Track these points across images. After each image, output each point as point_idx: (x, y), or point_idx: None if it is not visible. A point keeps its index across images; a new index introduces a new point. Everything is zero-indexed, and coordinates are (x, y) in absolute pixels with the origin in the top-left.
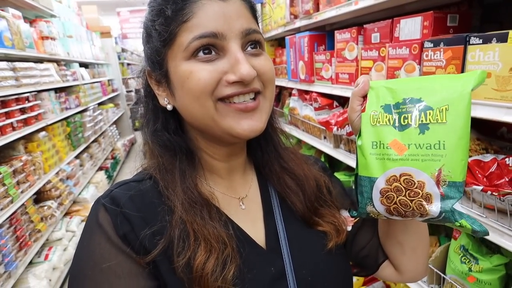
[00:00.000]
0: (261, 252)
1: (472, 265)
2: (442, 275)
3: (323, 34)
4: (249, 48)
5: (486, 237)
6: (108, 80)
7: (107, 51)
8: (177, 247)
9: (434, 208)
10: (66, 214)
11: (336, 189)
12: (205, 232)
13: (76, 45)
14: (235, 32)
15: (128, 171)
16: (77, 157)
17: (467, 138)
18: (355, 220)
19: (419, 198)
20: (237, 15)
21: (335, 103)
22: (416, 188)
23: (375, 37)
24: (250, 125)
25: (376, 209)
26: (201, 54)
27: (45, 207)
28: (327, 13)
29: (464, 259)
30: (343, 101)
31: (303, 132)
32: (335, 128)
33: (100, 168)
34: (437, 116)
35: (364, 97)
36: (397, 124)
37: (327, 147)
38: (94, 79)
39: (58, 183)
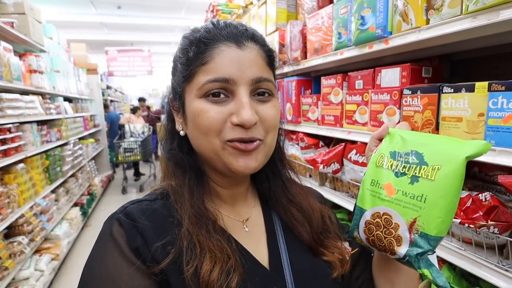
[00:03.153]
0: (265, 271)
1: None
2: None
3: (310, 79)
4: (257, 95)
5: (467, 269)
6: (91, 116)
7: (92, 87)
8: (186, 257)
9: (401, 250)
10: (36, 251)
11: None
12: (210, 244)
13: (62, 80)
14: (245, 79)
15: (103, 208)
16: (53, 191)
17: (452, 199)
18: (352, 252)
19: (391, 237)
20: (250, 63)
21: (321, 143)
22: (392, 228)
23: (359, 83)
24: (246, 163)
25: (359, 236)
26: (211, 95)
27: (15, 243)
28: (314, 61)
29: None
30: (328, 141)
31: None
32: (321, 166)
33: (75, 204)
34: (428, 172)
35: (381, 140)
36: (396, 170)
37: (312, 185)
38: (77, 113)
39: (32, 217)
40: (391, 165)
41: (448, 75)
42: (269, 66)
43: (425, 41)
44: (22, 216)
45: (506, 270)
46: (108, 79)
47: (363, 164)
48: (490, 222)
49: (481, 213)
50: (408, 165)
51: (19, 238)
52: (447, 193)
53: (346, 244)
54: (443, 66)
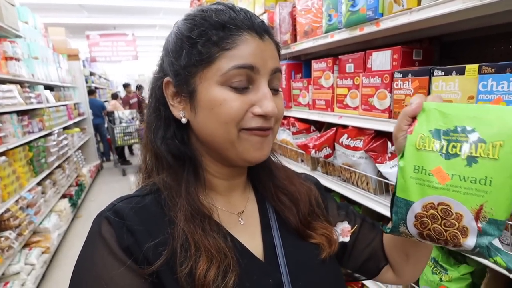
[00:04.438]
0: (260, 264)
1: (442, 275)
2: (416, 287)
3: (300, 63)
4: (272, 87)
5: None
6: (75, 104)
7: (74, 74)
8: (179, 257)
9: (469, 242)
10: (25, 245)
11: (329, 203)
12: (206, 242)
13: (42, 67)
14: (267, 69)
15: (93, 199)
16: (39, 183)
17: None
18: (352, 230)
19: (454, 229)
20: (270, 54)
21: (312, 128)
22: (452, 219)
23: (349, 67)
24: (260, 153)
25: (408, 231)
26: (236, 83)
27: (2, 238)
28: (304, 44)
29: (435, 270)
30: (319, 126)
31: (280, 156)
32: (313, 151)
33: (64, 196)
34: (488, 150)
35: (414, 118)
36: (444, 152)
37: (304, 170)
38: (60, 102)
39: (18, 211)
40: (436, 146)
41: (438, 57)
42: (279, 59)
43: (416, 23)
44: (7, 210)
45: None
46: (91, 65)
47: (355, 148)
48: None
49: None
50: (459, 144)
51: (6, 233)
52: None
53: (345, 223)
54: (433, 48)
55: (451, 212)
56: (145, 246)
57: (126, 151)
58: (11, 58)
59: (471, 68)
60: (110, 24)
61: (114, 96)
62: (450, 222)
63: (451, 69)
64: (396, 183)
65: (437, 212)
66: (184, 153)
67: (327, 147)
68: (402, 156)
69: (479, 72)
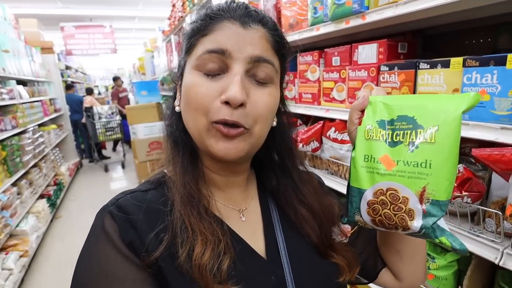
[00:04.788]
0: (262, 261)
1: (430, 263)
2: None
3: None
4: (254, 78)
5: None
6: (50, 99)
7: (49, 68)
8: (179, 239)
9: (415, 223)
10: (2, 249)
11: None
12: (201, 226)
13: (13, 61)
14: (243, 55)
15: (73, 198)
16: (14, 184)
17: (455, 159)
18: (352, 230)
19: (402, 212)
20: (251, 41)
21: (299, 121)
22: (400, 203)
23: (336, 60)
24: (226, 148)
25: (363, 219)
26: (208, 67)
27: None
28: (289, 37)
29: None
30: (305, 120)
31: None
32: (300, 145)
33: (42, 196)
34: (426, 135)
35: (363, 111)
36: (389, 140)
37: None
38: (34, 98)
39: None
40: (382, 136)
41: (421, 50)
42: (275, 51)
43: (402, 16)
44: None
45: (478, 236)
46: (66, 58)
47: (342, 141)
48: (464, 193)
49: (455, 185)
50: (401, 131)
51: None
52: (451, 153)
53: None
54: (417, 41)
55: (399, 196)
56: (147, 239)
57: (110, 147)
58: None
59: (456, 61)
60: (86, 16)
61: (89, 91)
62: (398, 206)
63: (437, 62)
64: (349, 174)
65: (386, 197)
66: (180, 139)
67: (314, 141)
68: (354, 147)
69: (464, 65)
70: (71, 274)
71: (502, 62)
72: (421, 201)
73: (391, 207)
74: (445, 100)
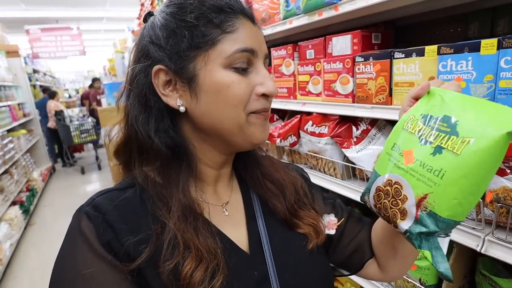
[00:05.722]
0: (244, 256)
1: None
2: None
3: None
4: None
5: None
6: (18, 104)
7: (16, 72)
8: (165, 254)
9: (403, 224)
10: None
11: (316, 194)
12: (197, 241)
13: None
14: (263, 53)
15: (47, 204)
16: None
17: (476, 181)
18: (338, 223)
19: (396, 208)
20: (262, 39)
21: (276, 116)
22: (399, 199)
23: (310, 53)
24: (265, 131)
25: (369, 201)
26: (239, 65)
27: None
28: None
29: None
30: (282, 114)
31: None
32: (278, 140)
33: (14, 203)
34: (455, 144)
35: (417, 99)
36: (423, 137)
37: None
38: (1, 103)
39: None
40: (419, 130)
41: (394, 41)
42: None
43: (375, 6)
44: None
45: (473, 228)
46: (33, 62)
47: (320, 135)
48: None
49: None
50: (437, 133)
51: None
52: (472, 172)
53: (332, 216)
54: (390, 32)
55: (401, 192)
56: (126, 241)
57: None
58: None
59: (431, 49)
60: (52, 18)
61: (51, 95)
62: (397, 201)
63: (411, 51)
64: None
65: (391, 189)
66: (179, 144)
67: (292, 135)
68: (391, 133)
69: (438, 53)
70: (47, 282)
71: (476, 48)
72: (418, 206)
73: (391, 200)
74: (501, 114)
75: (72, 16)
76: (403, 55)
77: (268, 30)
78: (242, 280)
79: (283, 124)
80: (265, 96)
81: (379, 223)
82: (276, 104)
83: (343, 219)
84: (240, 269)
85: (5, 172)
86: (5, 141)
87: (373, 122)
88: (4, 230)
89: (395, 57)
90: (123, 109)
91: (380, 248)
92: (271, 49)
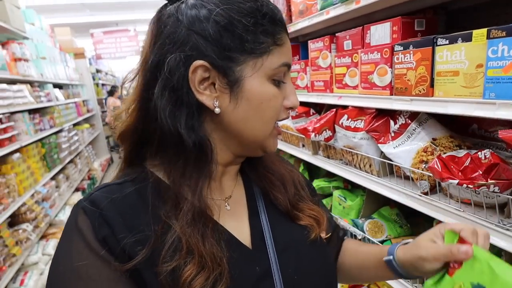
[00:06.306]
0: (247, 251)
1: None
2: None
3: (297, 45)
4: None
5: None
6: (83, 101)
7: (82, 72)
8: (164, 255)
9: None
10: (42, 237)
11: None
12: (202, 248)
13: (50, 67)
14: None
15: None
16: (52, 178)
17: None
18: (326, 236)
19: None
20: None
21: (312, 111)
22: None
23: (347, 44)
24: (276, 145)
25: None
26: (278, 78)
27: (20, 231)
28: (299, 24)
29: None
30: (319, 108)
31: (281, 141)
32: (312, 135)
33: (77, 189)
34: None
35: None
36: None
37: (305, 155)
38: (69, 99)
39: (34, 205)
40: None
41: (444, 27)
42: None
43: None
44: (23, 204)
45: (507, 229)
46: (97, 62)
47: (356, 129)
48: (490, 181)
49: (481, 172)
50: None
51: (23, 226)
52: None
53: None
54: (438, 18)
55: None
56: (122, 239)
57: None
58: (19, 59)
59: (479, 33)
60: (113, 21)
61: (111, 93)
62: None
63: (457, 36)
64: None
65: None
66: (204, 143)
67: (327, 130)
68: (437, 282)
69: (488, 37)
70: None
71: None
72: None
73: None
74: None
75: (130, 19)
76: (447, 41)
77: (305, 22)
78: (243, 275)
79: (318, 118)
80: (290, 108)
81: (373, 256)
82: (312, 98)
83: (329, 234)
84: (241, 264)
85: (71, 161)
86: (71, 134)
87: (413, 115)
88: (68, 213)
89: (438, 43)
90: (136, 92)
91: (350, 272)
92: (309, 41)
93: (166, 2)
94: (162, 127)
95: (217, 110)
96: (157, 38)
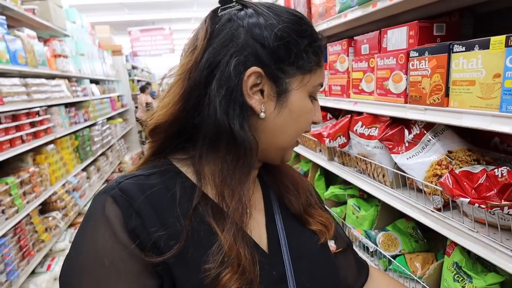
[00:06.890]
0: (264, 255)
1: (465, 283)
2: None
3: None
4: None
5: (479, 253)
6: (118, 96)
7: (118, 68)
8: (207, 257)
9: None
10: (71, 225)
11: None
12: (241, 254)
13: (88, 63)
14: None
15: None
16: (84, 169)
17: None
18: (337, 251)
19: None
20: None
21: (329, 115)
22: None
23: (365, 48)
24: (291, 156)
25: None
26: (314, 95)
27: (50, 218)
28: (319, 27)
29: (457, 277)
30: (337, 113)
31: (300, 145)
32: (327, 140)
33: (107, 181)
34: None
35: None
36: None
37: (322, 160)
38: (104, 94)
39: (64, 194)
40: None
41: (470, 31)
42: None
43: None
44: (55, 193)
45: None
46: (133, 59)
47: (369, 137)
48: (504, 202)
49: (496, 191)
50: None
51: (53, 214)
52: None
53: (332, 243)
54: (463, 21)
55: None
56: (154, 232)
57: None
58: (59, 56)
59: (497, 40)
60: (149, 20)
61: (142, 89)
62: None
63: (474, 43)
64: None
65: None
66: (254, 143)
67: (341, 136)
68: None
69: (507, 45)
70: None
71: None
72: None
73: None
74: None
75: (166, 18)
76: (464, 48)
77: (323, 25)
78: (261, 277)
79: (333, 123)
80: (314, 123)
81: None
82: (329, 102)
83: (340, 249)
84: (261, 268)
85: (102, 154)
86: (104, 128)
87: (429, 125)
88: None
89: (454, 50)
90: (180, 85)
91: None
92: (327, 45)
93: (219, 5)
94: (214, 122)
95: (262, 114)
96: (214, 38)
